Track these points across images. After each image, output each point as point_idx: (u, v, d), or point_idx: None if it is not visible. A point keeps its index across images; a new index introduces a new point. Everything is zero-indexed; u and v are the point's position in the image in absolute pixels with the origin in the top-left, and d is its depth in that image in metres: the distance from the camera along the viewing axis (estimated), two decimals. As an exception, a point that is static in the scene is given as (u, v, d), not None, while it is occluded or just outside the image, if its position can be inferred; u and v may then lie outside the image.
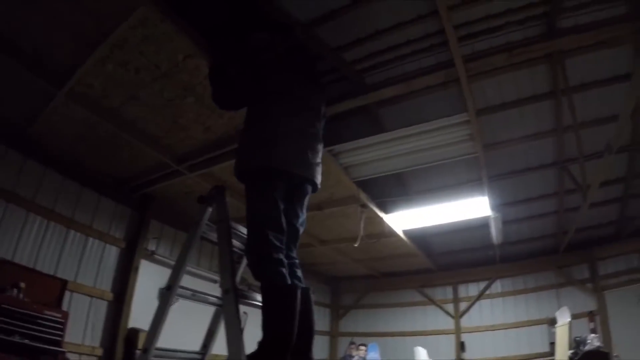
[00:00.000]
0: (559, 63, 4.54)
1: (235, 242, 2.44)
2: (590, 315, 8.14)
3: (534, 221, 7.88)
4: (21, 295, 4.61)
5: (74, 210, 5.56)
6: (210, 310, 2.77)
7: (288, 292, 2.13)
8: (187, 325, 3.76)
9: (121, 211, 6.13)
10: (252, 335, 2.16)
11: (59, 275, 5.26)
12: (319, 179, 2.57)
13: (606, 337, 7.67)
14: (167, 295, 2.36)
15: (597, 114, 5.23)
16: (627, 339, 7.63)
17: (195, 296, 2.53)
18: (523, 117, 5.32)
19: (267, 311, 2.12)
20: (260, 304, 2.20)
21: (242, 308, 2.19)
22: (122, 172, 5.71)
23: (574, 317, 7.22)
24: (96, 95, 4.06)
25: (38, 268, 5.08)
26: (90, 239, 5.72)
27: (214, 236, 2.45)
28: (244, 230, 2.50)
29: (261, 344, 2.08)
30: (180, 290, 2.42)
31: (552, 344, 7.57)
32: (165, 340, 2.42)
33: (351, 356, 6.53)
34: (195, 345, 2.71)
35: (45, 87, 4.00)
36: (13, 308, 4.35)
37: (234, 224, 2.43)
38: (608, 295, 8.35)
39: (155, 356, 2.36)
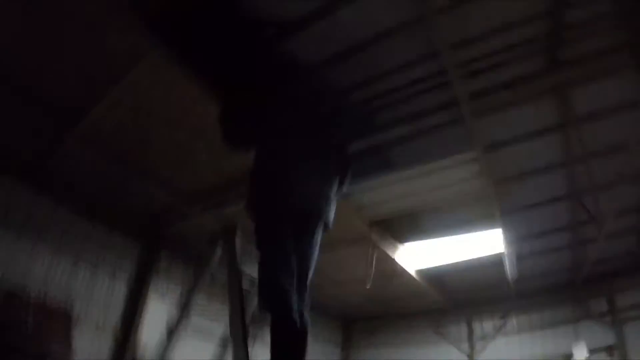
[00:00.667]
0: (564, 95, 4.54)
1: (245, 280, 2.45)
2: (610, 349, 7.87)
3: (549, 255, 7.69)
4: (29, 330, 4.62)
5: (83, 243, 5.61)
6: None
7: (299, 334, 2.13)
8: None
9: (131, 246, 6.15)
10: None
11: (67, 306, 5.25)
12: (331, 216, 2.58)
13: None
14: (173, 329, 2.38)
15: (607, 142, 5.11)
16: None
17: (202, 330, 2.53)
18: (532, 151, 5.28)
19: (276, 351, 2.11)
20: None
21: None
22: (133, 211, 5.79)
23: (592, 351, 7.00)
24: (106, 138, 4.20)
25: (46, 299, 5.05)
26: (99, 272, 5.75)
27: (223, 273, 2.46)
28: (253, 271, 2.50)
29: None
30: (187, 324, 2.43)
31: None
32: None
33: None
34: None
35: (57, 127, 4.15)
36: (20, 345, 4.41)
37: (243, 263, 2.44)
38: (627, 329, 8.08)
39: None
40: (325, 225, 2.58)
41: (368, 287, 6.38)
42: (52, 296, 5.15)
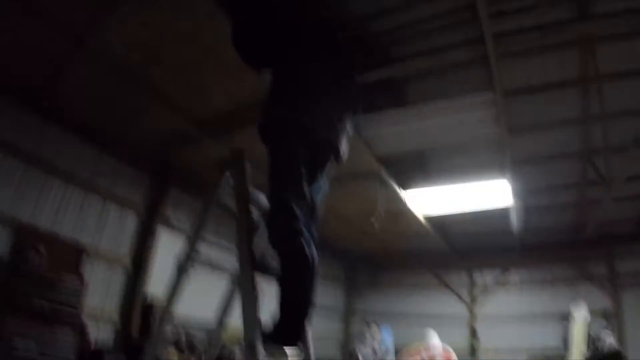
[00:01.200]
0: (590, 49, 4.38)
1: (254, 210, 2.39)
2: (605, 313, 8.02)
3: (554, 211, 7.73)
4: (41, 260, 4.68)
5: (92, 174, 5.58)
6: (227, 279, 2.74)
7: (310, 267, 2.08)
8: (204, 294, 3.76)
9: (140, 177, 6.14)
10: (268, 306, 2.12)
11: (78, 239, 5.31)
12: (344, 148, 2.49)
13: (620, 337, 7.55)
14: (183, 262, 2.35)
15: (626, 105, 5.03)
16: (640, 340, 7.53)
17: (212, 263, 2.51)
18: (549, 103, 5.16)
19: (287, 285, 2.07)
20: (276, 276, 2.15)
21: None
22: (142, 137, 5.69)
23: (590, 314, 7.13)
24: (116, 55, 4.02)
25: (58, 232, 5.13)
26: (109, 204, 5.76)
27: (232, 203, 2.39)
28: (262, 197, 2.45)
29: (278, 325, 2.03)
30: (196, 256, 2.41)
31: (565, 339, 7.48)
32: (181, 304, 2.42)
33: (364, 336, 6.55)
34: (213, 314, 2.71)
35: (66, 46, 3.97)
36: (32, 272, 4.46)
37: (253, 191, 2.36)
38: (625, 295, 8.21)
39: (172, 325, 2.36)
40: (338, 158, 2.51)
41: (376, 226, 6.35)
42: (62, 229, 5.19)
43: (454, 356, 4.54)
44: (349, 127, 2.57)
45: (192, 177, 6.43)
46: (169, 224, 6.35)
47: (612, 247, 8.47)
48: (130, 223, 6.00)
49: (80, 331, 4.77)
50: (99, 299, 5.47)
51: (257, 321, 1.93)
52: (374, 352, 5.69)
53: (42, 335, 4.33)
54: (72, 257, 5.19)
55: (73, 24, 3.75)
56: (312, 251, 2.16)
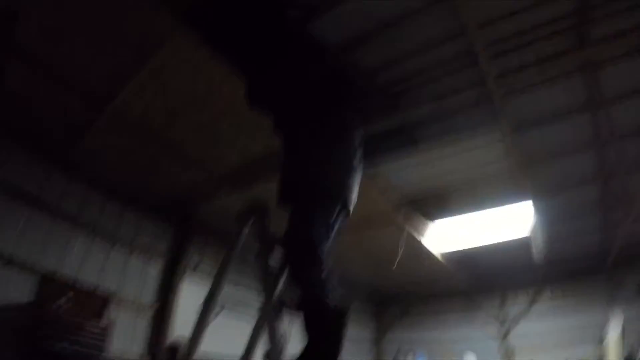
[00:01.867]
0: (593, 75, 4.43)
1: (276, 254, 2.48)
2: (641, 333, 7.74)
3: (579, 237, 7.60)
4: (65, 307, 4.79)
5: (116, 227, 5.81)
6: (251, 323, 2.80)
7: (343, 318, 2.12)
8: (231, 335, 3.79)
9: (163, 228, 6.35)
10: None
11: (103, 286, 5.45)
12: (353, 201, 2.56)
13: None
14: (207, 305, 2.45)
15: (636, 123, 5.02)
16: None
17: (236, 308, 2.59)
18: (561, 132, 5.17)
19: (318, 335, 2.09)
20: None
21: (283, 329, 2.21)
22: (163, 191, 5.92)
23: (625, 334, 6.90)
24: (135, 118, 4.26)
25: (82, 279, 5.27)
26: (134, 254, 5.94)
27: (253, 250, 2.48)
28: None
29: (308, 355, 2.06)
30: (220, 301, 2.50)
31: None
32: (210, 349, 2.48)
33: None
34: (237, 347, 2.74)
35: (87, 110, 4.24)
36: (57, 319, 4.57)
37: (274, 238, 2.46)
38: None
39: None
40: (347, 212, 2.58)
41: (394, 268, 6.41)
42: (86, 278, 5.35)
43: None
44: (357, 180, 2.65)
45: (214, 226, 6.61)
46: (193, 271, 6.51)
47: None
48: (154, 271, 6.18)
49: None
50: (124, 343, 5.56)
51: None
52: None
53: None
54: (97, 303, 5.29)
55: (94, 90, 4.01)
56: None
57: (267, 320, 2.22)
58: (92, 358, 4.70)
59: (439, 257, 7.18)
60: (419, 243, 6.51)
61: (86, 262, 5.41)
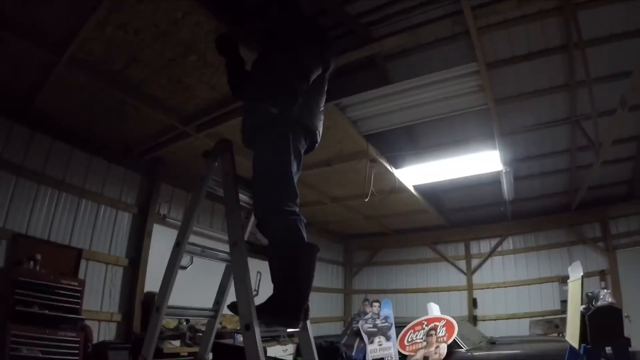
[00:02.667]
0: (572, 16, 4.37)
1: (243, 197, 2.41)
2: (602, 274, 8.17)
3: (546, 178, 7.82)
4: (37, 267, 4.71)
5: (84, 179, 5.59)
6: (222, 268, 2.77)
7: (309, 252, 2.09)
8: (200, 284, 3.78)
9: (131, 177, 6.17)
10: (266, 294, 2.13)
11: (74, 244, 5.35)
12: (320, 135, 2.50)
13: (617, 296, 7.67)
14: (176, 252, 2.36)
15: (611, 69, 5.07)
16: (637, 299, 7.67)
17: (205, 252, 2.54)
18: (535, 71, 5.18)
19: (284, 268, 2.07)
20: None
21: (256, 266, 2.15)
22: (130, 138, 5.69)
23: (586, 275, 7.22)
24: (97, 61, 3.98)
25: (52, 239, 5.16)
26: (102, 207, 5.78)
27: (221, 191, 2.41)
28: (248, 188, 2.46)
29: (274, 298, 2.04)
30: (189, 247, 2.42)
31: (564, 301, 7.60)
32: (180, 299, 2.43)
33: (365, 312, 6.63)
34: (209, 303, 2.72)
35: (46, 56, 3.94)
36: (30, 280, 4.50)
37: (241, 177, 2.39)
38: (620, 255, 8.35)
39: (168, 314, 2.38)
40: (315, 142, 2.51)
41: (366, 200, 6.37)
42: (57, 235, 5.22)
43: (456, 325, 4.64)
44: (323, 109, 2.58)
45: (183, 172, 6.48)
46: (163, 220, 6.39)
47: (605, 209, 8.56)
48: (124, 222, 6.04)
49: (83, 331, 4.82)
50: (99, 300, 5.54)
51: (252, 300, 1.96)
52: (376, 327, 5.77)
53: (46, 340, 4.39)
54: (68, 261, 5.22)
55: (51, 35, 3.70)
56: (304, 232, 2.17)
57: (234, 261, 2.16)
58: (69, 318, 4.68)
59: (412, 189, 7.21)
60: (390, 174, 6.46)
61: (55, 218, 5.23)
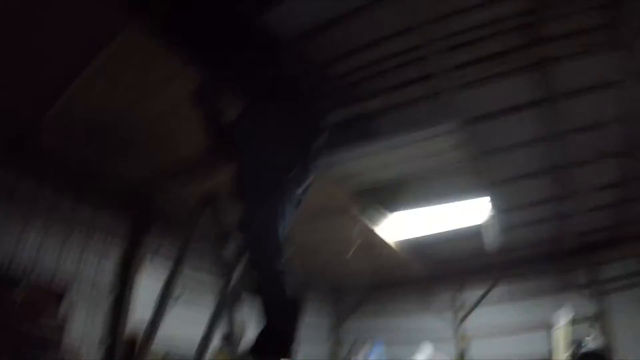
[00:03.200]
0: (544, 71, 4.58)
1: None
2: (592, 320, 8.12)
3: (531, 227, 7.89)
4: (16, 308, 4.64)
5: (73, 217, 5.69)
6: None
7: (300, 303, 2.23)
8: (191, 320, 3.80)
9: (122, 215, 6.23)
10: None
11: (59, 275, 5.36)
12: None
13: (610, 340, 7.64)
14: (166, 290, 2.48)
15: (585, 119, 5.20)
16: (632, 341, 7.62)
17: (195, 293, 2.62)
18: (511, 126, 5.35)
19: (276, 320, 2.16)
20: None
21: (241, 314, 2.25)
22: (119, 181, 5.83)
23: (575, 322, 7.20)
24: (85, 116, 4.24)
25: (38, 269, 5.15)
26: (91, 240, 5.86)
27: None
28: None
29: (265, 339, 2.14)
30: (180, 286, 2.53)
31: (550, 350, 7.53)
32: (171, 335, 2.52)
33: (355, 356, 6.59)
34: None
35: (35, 108, 4.18)
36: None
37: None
38: (610, 299, 8.33)
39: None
40: (300, 200, 2.62)
41: (348, 257, 6.59)
42: (40, 275, 5.20)
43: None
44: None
45: (172, 213, 6.43)
46: (152, 256, 6.42)
47: (593, 255, 8.62)
48: (112, 256, 6.07)
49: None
50: (83, 331, 5.50)
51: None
52: None
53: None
54: (50, 302, 5.11)
55: (41, 91, 3.96)
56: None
57: (225, 306, 2.27)
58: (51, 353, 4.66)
59: (393, 245, 7.31)
60: (373, 232, 6.60)
61: (43, 250, 5.30)
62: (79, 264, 5.68)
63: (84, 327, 5.51)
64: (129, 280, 6.06)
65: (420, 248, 8.45)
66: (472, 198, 6.06)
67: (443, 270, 9.74)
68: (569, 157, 5.39)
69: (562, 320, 6.87)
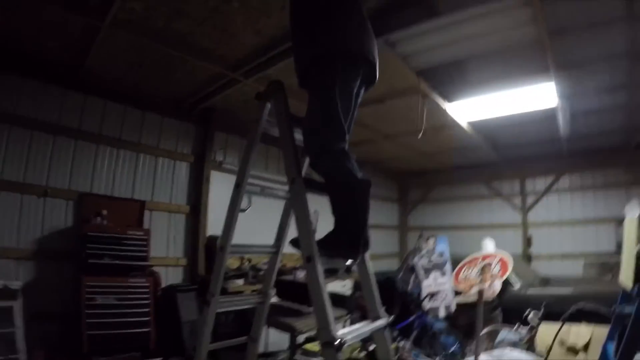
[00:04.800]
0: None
1: (298, 136, 2.47)
2: (660, 215, 7.81)
3: (603, 114, 7.36)
4: (105, 222, 5.07)
5: (140, 135, 5.90)
6: (280, 209, 2.88)
7: (361, 186, 2.08)
8: (260, 226, 3.94)
9: (185, 128, 6.44)
10: (324, 231, 2.18)
11: (136, 197, 5.73)
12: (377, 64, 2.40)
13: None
14: (236, 193, 2.49)
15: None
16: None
17: (264, 191, 2.66)
18: (593, 2, 4.79)
19: (340, 203, 2.09)
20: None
21: (313, 204, 2.20)
22: (180, 91, 5.87)
23: (643, 217, 6.97)
24: (140, 18, 4.07)
25: (116, 194, 5.53)
26: (160, 159, 6.11)
27: (275, 131, 2.47)
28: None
29: (333, 232, 2.08)
30: (249, 187, 2.54)
31: (620, 244, 7.38)
32: (242, 241, 2.57)
33: (420, 249, 6.75)
34: (270, 242, 2.83)
35: (89, 22, 4.09)
36: (99, 234, 4.87)
37: (295, 116, 2.39)
38: (681, 196, 7.95)
39: (232, 252, 2.53)
40: (374, 78, 2.45)
41: (419, 137, 6.33)
42: (120, 188, 5.63)
43: (510, 261, 4.66)
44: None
45: (236, 118, 6.64)
46: (219, 167, 6.66)
47: (666, 149, 8.11)
48: (182, 172, 6.37)
49: (152, 277, 5.20)
50: (165, 246, 5.99)
51: (312, 234, 2.02)
52: (432, 263, 5.90)
53: (119, 287, 4.80)
54: (133, 213, 5.60)
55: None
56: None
57: (292, 196, 2.23)
58: (136, 268, 5.08)
59: (464, 126, 7.04)
60: (442, 111, 6.34)
61: (117, 175, 5.63)
62: (152, 179, 6.03)
63: (163, 241, 6.01)
64: (201, 190, 6.38)
65: (487, 131, 8.15)
66: (542, 80, 5.64)
67: (510, 155, 9.51)
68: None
69: (632, 212, 6.65)
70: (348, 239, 2.07)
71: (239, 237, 2.51)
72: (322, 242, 2.05)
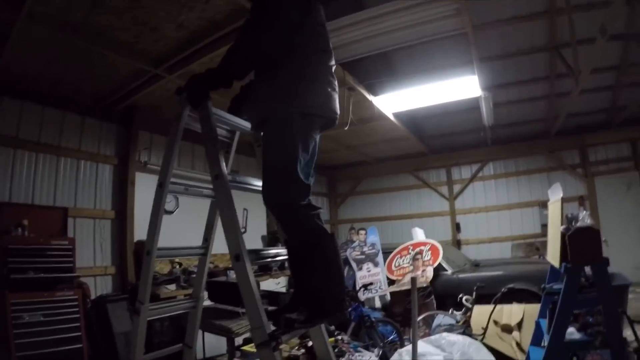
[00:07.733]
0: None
1: (221, 131, 2.37)
2: (581, 199, 8.46)
3: (525, 104, 7.86)
4: (26, 233, 4.70)
5: (59, 137, 5.47)
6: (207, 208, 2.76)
7: (329, 240, 1.96)
8: (188, 227, 3.78)
9: (107, 128, 6.04)
10: (256, 232, 2.07)
11: (58, 204, 5.33)
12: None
13: (595, 221, 7.99)
14: (159, 193, 2.34)
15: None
16: (614, 224, 8.08)
17: (189, 190, 2.50)
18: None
19: (307, 265, 1.94)
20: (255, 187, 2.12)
21: (241, 203, 2.10)
22: (100, 88, 5.53)
23: (565, 201, 7.46)
24: (57, 11, 3.79)
25: (36, 202, 5.12)
26: (82, 162, 5.71)
27: (198, 127, 2.35)
28: (229, 117, 2.40)
29: (312, 295, 1.90)
30: (172, 187, 2.39)
31: (544, 225, 7.87)
32: (170, 243, 2.44)
33: (352, 241, 6.82)
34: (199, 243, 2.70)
35: (3, 15, 3.75)
36: (21, 246, 4.48)
37: (215, 109, 2.25)
38: (597, 182, 8.65)
39: (159, 256, 2.37)
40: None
41: (346, 129, 6.34)
42: (41, 195, 5.19)
43: (440, 250, 4.84)
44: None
45: (160, 116, 6.31)
46: (144, 168, 6.31)
47: (583, 137, 8.78)
48: (106, 175, 5.99)
49: (80, 288, 4.89)
50: (91, 254, 5.63)
51: (239, 231, 1.92)
52: (364, 254, 5.98)
53: (46, 303, 4.44)
54: (56, 221, 5.22)
55: None
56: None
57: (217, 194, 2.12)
58: (62, 280, 4.70)
59: (391, 117, 7.14)
60: (369, 103, 6.38)
61: (36, 181, 5.18)
62: (75, 184, 5.60)
63: (89, 249, 5.62)
64: (126, 193, 6.02)
65: (412, 122, 8.44)
66: (467, 72, 5.85)
67: (436, 145, 9.93)
68: (568, 35, 5.14)
69: (555, 195, 7.11)
70: (333, 297, 1.91)
71: (169, 240, 2.38)
72: (312, 310, 1.86)
